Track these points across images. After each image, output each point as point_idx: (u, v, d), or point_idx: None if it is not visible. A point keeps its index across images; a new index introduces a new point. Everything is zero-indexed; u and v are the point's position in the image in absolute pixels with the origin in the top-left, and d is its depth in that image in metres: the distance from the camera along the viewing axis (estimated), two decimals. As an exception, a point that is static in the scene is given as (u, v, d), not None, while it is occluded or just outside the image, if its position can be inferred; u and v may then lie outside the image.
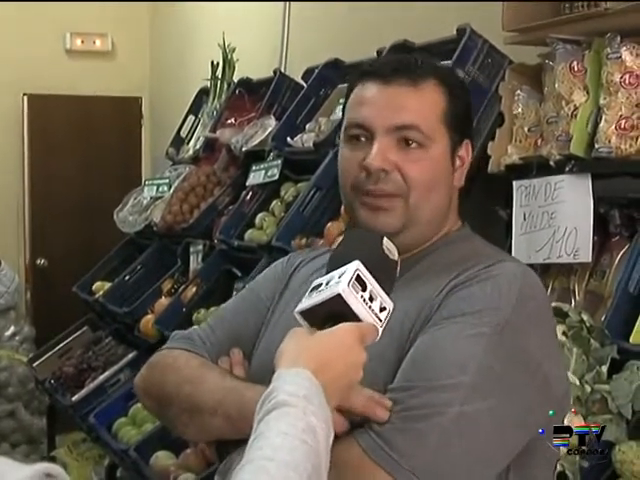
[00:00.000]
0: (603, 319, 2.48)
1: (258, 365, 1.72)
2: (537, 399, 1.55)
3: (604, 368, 2.37)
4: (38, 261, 7.49)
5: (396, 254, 1.54)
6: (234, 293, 4.12)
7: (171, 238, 5.14)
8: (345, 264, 1.45)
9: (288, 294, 1.81)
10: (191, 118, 5.75)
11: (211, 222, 4.70)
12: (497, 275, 1.56)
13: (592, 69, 2.65)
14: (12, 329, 6.53)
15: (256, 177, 4.40)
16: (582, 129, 2.62)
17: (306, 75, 4.53)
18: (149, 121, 7.78)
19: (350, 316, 1.41)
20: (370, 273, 1.45)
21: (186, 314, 4.44)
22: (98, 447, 5.09)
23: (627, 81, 2.55)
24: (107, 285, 5.45)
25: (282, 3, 5.31)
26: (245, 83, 5.23)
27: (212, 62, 5.58)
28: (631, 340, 2.39)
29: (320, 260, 1.85)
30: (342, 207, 3.60)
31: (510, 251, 2.83)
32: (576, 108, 2.67)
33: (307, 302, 1.44)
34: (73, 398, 4.89)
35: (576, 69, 2.70)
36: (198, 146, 5.37)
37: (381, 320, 1.44)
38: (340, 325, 1.40)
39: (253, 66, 5.38)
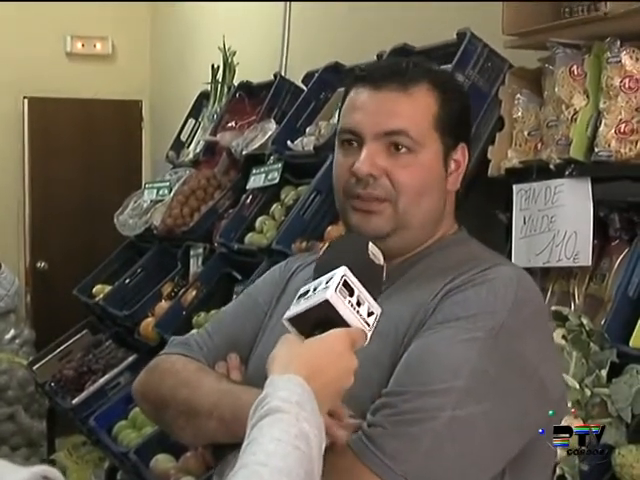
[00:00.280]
0: (603, 323, 2.48)
1: (255, 369, 1.72)
2: (533, 403, 1.54)
3: (604, 372, 2.37)
4: (38, 264, 7.50)
5: (382, 259, 1.54)
6: (234, 296, 4.12)
7: (171, 241, 5.14)
8: (331, 270, 1.46)
9: (285, 299, 1.81)
10: (191, 121, 5.75)
11: (211, 225, 4.70)
12: (493, 279, 1.56)
13: (592, 73, 2.66)
14: (12, 332, 6.53)
15: (256, 181, 4.40)
16: (582, 133, 2.62)
17: (306, 79, 4.53)
18: (149, 124, 7.79)
19: (338, 322, 1.41)
20: (357, 278, 1.45)
21: (186, 317, 4.44)
22: (98, 450, 5.09)
23: (627, 85, 2.55)
24: (107, 288, 5.45)
25: (282, 6, 5.31)
26: (245, 86, 5.23)
27: (212, 65, 5.58)
28: (631, 344, 2.39)
29: None
30: (341, 211, 3.61)
31: (510, 255, 2.83)
32: (576, 112, 2.67)
33: (295, 309, 1.45)
34: (73, 401, 4.89)
35: (576, 73, 2.70)
36: (198, 149, 5.38)
37: (369, 325, 1.44)
38: (331, 332, 1.40)
39: (253, 69, 5.38)
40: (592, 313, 2.60)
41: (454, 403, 1.44)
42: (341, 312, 1.41)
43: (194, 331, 1.94)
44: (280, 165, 4.26)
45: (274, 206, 4.31)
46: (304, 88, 4.54)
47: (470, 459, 1.46)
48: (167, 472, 3.85)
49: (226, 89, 5.47)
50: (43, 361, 5.70)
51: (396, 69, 1.70)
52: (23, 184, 7.48)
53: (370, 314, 1.45)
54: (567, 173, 2.67)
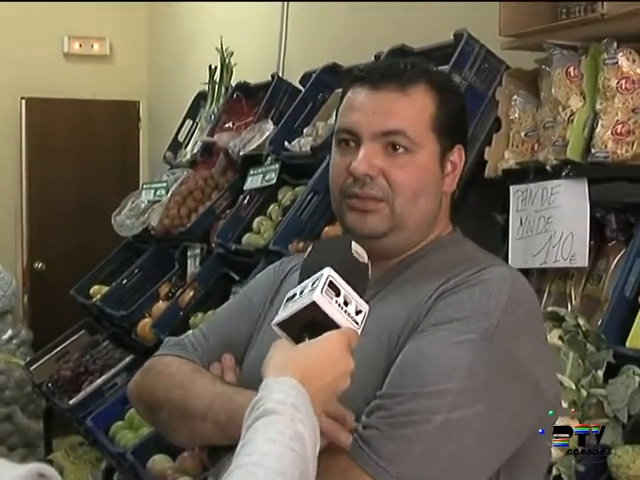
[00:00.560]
0: (599, 323, 2.48)
1: (250, 371, 1.72)
2: (527, 404, 1.54)
3: (600, 372, 2.37)
4: (35, 265, 7.50)
5: (366, 257, 1.54)
6: (231, 297, 4.12)
7: (169, 242, 5.15)
8: (316, 272, 1.46)
9: (279, 300, 1.80)
10: (189, 122, 5.75)
11: (209, 226, 4.71)
12: (486, 280, 1.56)
13: (589, 74, 2.66)
14: (9, 332, 6.52)
15: (254, 181, 4.41)
16: (578, 134, 2.62)
17: (304, 79, 4.53)
18: (147, 125, 7.79)
19: (327, 323, 1.41)
20: (342, 278, 1.45)
21: (183, 318, 4.45)
22: (95, 451, 5.10)
23: (623, 86, 2.56)
24: (104, 289, 5.46)
25: (280, 7, 5.32)
26: (243, 87, 5.23)
27: (210, 66, 5.59)
28: (627, 344, 2.39)
29: None
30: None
31: (507, 256, 2.83)
32: (573, 113, 2.67)
33: (283, 313, 1.45)
34: (70, 402, 4.89)
35: (573, 74, 2.70)
36: (196, 150, 5.38)
37: (358, 323, 1.45)
38: (327, 334, 1.41)
39: (251, 70, 5.38)
40: (589, 314, 2.60)
41: (448, 405, 1.44)
42: (329, 313, 1.41)
43: (190, 332, 1.93)
44: (277, 166, 4.27)
45: (271, 207, 4.32)
46: (301, 89, 4.54)
47: (465, 460, 1.46)
48: (164, 472, 3.86)
49: (223, 90, 5.47)
50: (40, 361, 5.70)
51: (394, 70, 1.69)
52: (20, 185, 7.48)
53: (358, 312, 1.45)
54: (564, 174, 2.68)
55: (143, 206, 5.50)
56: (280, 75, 4.99)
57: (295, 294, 1.46)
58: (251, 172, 4.46)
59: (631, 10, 2.48)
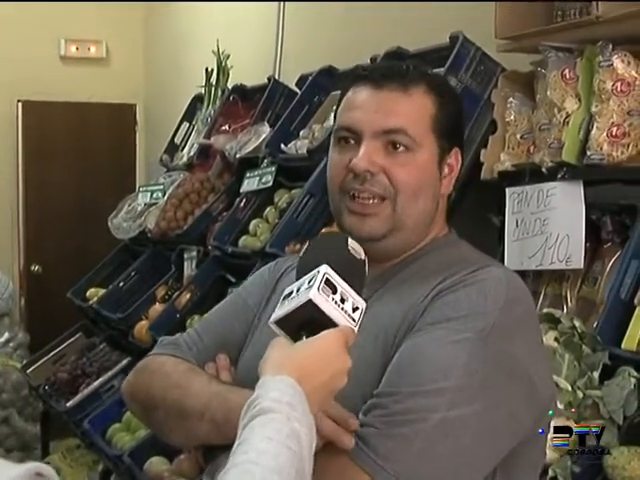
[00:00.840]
0: (595, 325, 2.48)
1: (245, 371, 1.72)
2: (523, 403, 1.55)
3: (596, 374, 2.38)
4: (32, 267, 7.49)
5: (362, 253, 1.54)
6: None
7: (165, 244, 5.15)
8: (313, 269, 1.46)
9: (275, 300, 1.80)
10: (185, 125, 5.76)
11: (205, 228, 4.71)
12: (483, 280, 1.57)
13: (584, 77, 2.67)
14: (6, 335, 6.52)
15: (250, 184, 4.41)
16: (574, 136, 2.63)
17: (300, 82, 4.54)
18: (143, 128, 7.78)
19: (324, 320, 1.42)
20: (339, 275, 1.45)
21: (180, 320, 4.45)
22: (92, 453, 5.10)
23: (619, 89, 2.56)
24: (101, 291, 5.46)
25: (276, 10, 5.32)
26: (239, 90, 5.24)
27: (206, 69, 5.59)
28: (623, 346, 2.40)
29: None
30: (334, 213, 3.62)
31: (503, 257, 2.84)
32: (568, 115, 2.68)
33: (280, 311, 1.45)
34: (67, 404, 4.88)
35: (568, 77, 2.71)
36: (192, 153, 5.39)
37: (355, 320, 1.45)
38: (324, 332, 1.41)
39: (247, 73, 5.39)
40: (584, 315, 2.61)
41: (446, 404, 1.45)
42: (325, 310, 1.41)
43: (183, 332, 1.93)
44: (274, 168, 4.27)
45: (268, 209, 4.32)
46: (298, 91, 4.55)
47: (462, 459, 1.46)
48: (161, 475, 3.86)
49: (220, 92, 5.48)
50: (37, 364, 5.70)
51: (396, 70, 1.71)
52: (17, 187, 7.48)
53: (355, 309, 1.45)
54: (559, 176, 2.68)
55: (140, 209, 5.50)
56: (276, 78, 4.99)
57: (292, 292, 1.46)
58: (247, 175, 4.46)
59: (626, 12, 2.49)
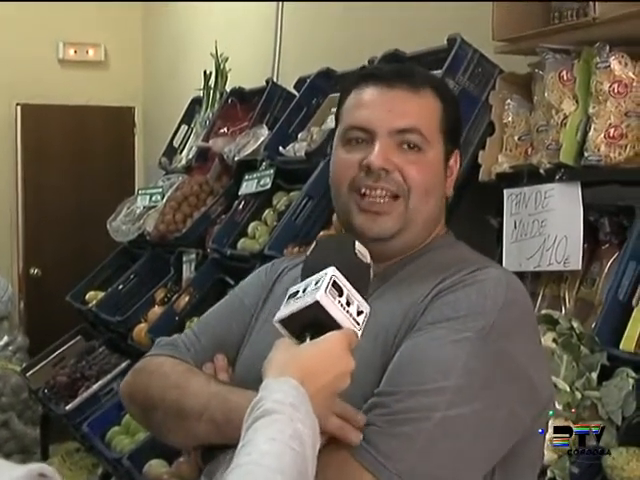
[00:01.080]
0: (593, 326, 2.49)
1: (242, 371, 1.73)
2: (523, 402, 1.55)
3: (594, 375, 2.38)
4: (31, 271, 7.49)
5: (368, 257, 1.55)
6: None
7: (164, 247, 5.15)
8: (319, 270, 1.46)
9: (272, 301, 1.82)
10: (184, 127, 5.76)
11: (204, 231, 4.71)
12: (482, 280, 1.58)
13: (581, 78, 2.67)
14: (5, 339, 6.53)
15: (248, 186, 4.41)
16: (572, 138, 2.63)
17: (298, 84, 4.54)
18: (142, 131, 7.79)
19: (329, 322, 1.42)
20: (345, 278, 1.46)
21: (179, 323, 4.44)
22: (92, 456, 5.11)
23: (616, 90, 2.56)
24: (100, 294, 5.46)
25: (274, 13, 5.32)
26: (237, 92, 5.24)
27: (205, 72, 5.59)
28: (621, 347, 2.40)
29: None
30: (334, 216, 3.62)
31: (501, 259, 2.84)
32: (566, 117, 2.68)
33: (285, 310, 1.45)
34: (66, 407, 4.89)
35: (565, 78, 2.71)
36: (191, 155, 5.39)
37: (359, 324, 1.45)
38: (327, 335, 1.41)
39: (245, 76, 5.39)
40: (582, 317, 2.61)
41: (446, 403, 1.45)
42: (331, 313, 1.41)
43: (181, 333, 1.93)
44: (272, 171, 4.27)
45: (266, 212, 4.32)
46: (296, 94, 4.55)
47: (462, 458, 1.47)
48: (160, 477, 3.86)
49: (218, 95, 5.48)
50: (36, 367, 5.70)
51: (404, 71, 1.72)
52: (16, 190, 7.48)
53: (359, 313, 1.46)
54: (557, 178, 2.69)
55: (138, 212, 5.50)
56: (274, 80, 4.99)
57: (298, 291, 1.46)
58: (246, 177, 4.46)
59: (623, 14, 2.49)
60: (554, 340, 2.45)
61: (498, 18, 2.88)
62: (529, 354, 1.58)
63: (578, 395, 2.35)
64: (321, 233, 3.68)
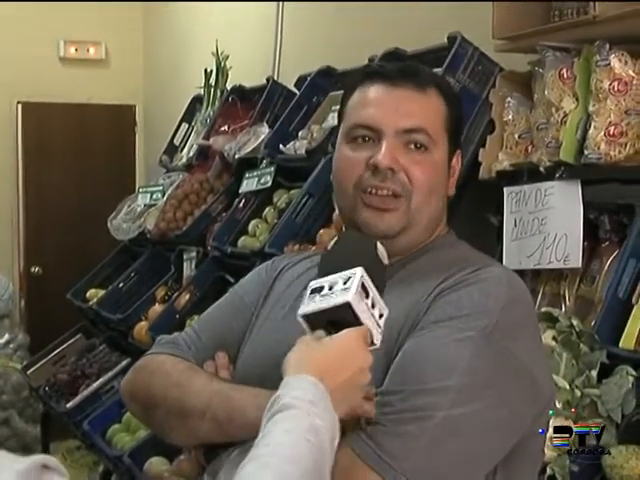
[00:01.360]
0: (593, 324, 2.49)
1: (243, 369, 1.73)
2: (526, 401, 1.55)
3: (594, 373, 2.38)
4: (32, 269, 7.50)
5: (386, 259, 1.54)
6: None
7: (165, 245, 5.15)
8: (342, 267, 1.45)
9: (272, 298, 1.82)
10: (184, 126, 5.76)
11: (204, 229, 4.72)
12: (485, 279, 1.58)
13: (581, 76, 2.67)
14: (6, 337, 6.53)
15: (249, 184, 4.41)
16: (572, 136, 2.63)
17: (298, 83, 4.54)
18: (143, 129, 7.79)
19: (353, 322, 1.41)
20: (369, 279, 1.44)
21: (179, 321, 4.45)
22: (92, 454, 5.11)
23: (616, 88, 2.56)
24: (101, 292, 5.46)
25: (275, 11, 5.33)
26: (238, 91, 5.24)
27: (205, 70, 5.59)
28: (620, 345, 2.40)
29: (304, 264, 1.86)
30: (334, 214, 3.62)
31: (501, 257, 2.84)
32: (566, 115, 2.68)
33: (311, 306, 1.43)
34: (67, 405, 4.89)
35: (565, 76, 2.71)
36: (191, 154, 5.39)
37: (380, 327, 1.44)
38: (344, 331, 1.41)
39: (246, 74, 5.39)
40: (582, 314, 2.61)
41: (449, 402, 1.45)
42: (360, 315, 1.40)
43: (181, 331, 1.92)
44: (272, 169, 4.27)
45: (267, 209, 4.32)
46: (296, 92, 4.55)
47: (466, 456, 1.47)
48: (161, 475, 3.86)
49: (219, 93, 5.48)
50: (37, 365, 5.71)
51: (409, 69, 1.72)
52: (17, 189, 7.48)
53: (381, 316, 1.45)
54: (557, 176, 2.69)
55: (139, 210, 5.51)
56: (275, 78, 4.99)
57: (322, 287, 1.44)
58: (246, 175, 4.46)
59: (623, 12, 2.49)
60: (554, 338, 2.44)
61: (498, 16, 2.88)
62: (531, 353, 1.58)
63: (578, 393, 2.35)
64: (321, 231, 3.68)
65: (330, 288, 1.43)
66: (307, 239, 3.77)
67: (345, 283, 1.42)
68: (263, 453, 1.23)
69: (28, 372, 5.71)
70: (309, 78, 4.38)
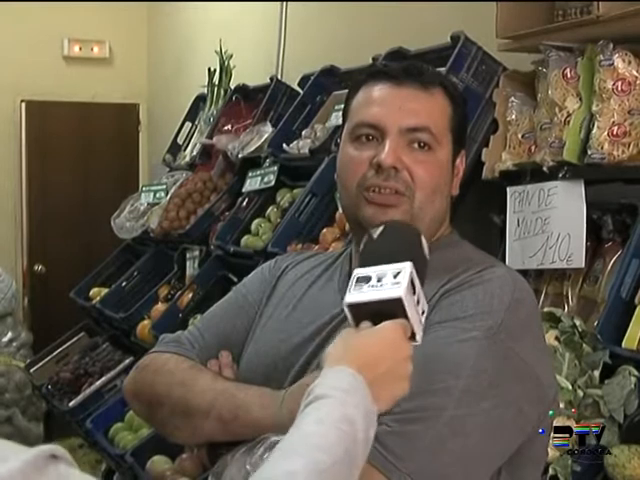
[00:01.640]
0: (596, 324, 2.48)
1: (247, 368, 1.73)
2: (530, 401, 1.55)
3: (596, 373, 2.38)
4: (35, 267, 7.50)
5: (428, 253, 1.48)
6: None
7: (168, 244, 5.16)
8: (389, 258, 1.41)
9: (275, 298, 1.82)
10: (188, 125, 5.76)
11: (207, 228, 4.71)
12: (489, 280, 1.58)
13: (585, 76, 2.67)
14: (9, 335, 6.53)
15: (252, 183, 4.41)
16: (575, 135, 2.63)
17: (302, 82, 4.54)
18: (146, 127, 7.79)
19: (397, 315, 1.38)
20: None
21: (182, 320, 4.45)
22: (95, 452, 5.11)
23: (619, 88, 2.56)
24: (104, 291, 5.46)
25: (278, 10, 5.33)
26: (242, 90, 5.24)
27: (209, 69, 5.59)
28: (623, 345, 2.40)
29: (307, 263, 1.86)
30: (337, 213, 3.63)
31: (504, 257, 2.84)
32: (569, 115, 2.68)
33: (360, 296, 1.39)
34: (70, 404, 4.89)
35: (569, 76, 2.71)
36: (195, 152, 5.38)
37: (422, 324, 1.41)
38: (385, 323, 1.37)
39: (250, 73, 5.39)
40: (585, 314, 2.61)
41: (455, 402, 1.45)
42: (408, 311, 1.37)
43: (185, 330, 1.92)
44: (276, 168, 4.27)
45: (270, 209, 4.32)
46: (300, 91, 4.55)
47: (471, 457, 1.47)
48: (163, 474, 3.86)
49: (222, 92, 5.48)
50: (40, 364, 5.71)
51: (414, 69, 1.71)
52: (20, 187, 7.49)
53: (423, 312, 1.42)
54: (560, 175, 2.69)
55: (142, 208, 5.51)
56: (279, 78, 4.99)
57: (369, 277, 1.41)
58: (250, 174, 4.47)
59: (626, 12, 2.49)
60: (556, 338, 2.44)
61: (502, 16, 2.88)
62: (536, 353, 1.58)
63: (580, 393, 2.35)
64: (324, 230, 3.69)
65: (379, 280, 1.40)
66: (310, 238, 3.77)
67: (395, 277, 1.39)
68: (292, 442, 1.22)
69: (31, 370, 5.71)
70: (312, 77, 4.38)
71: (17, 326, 6.71)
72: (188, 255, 4.86)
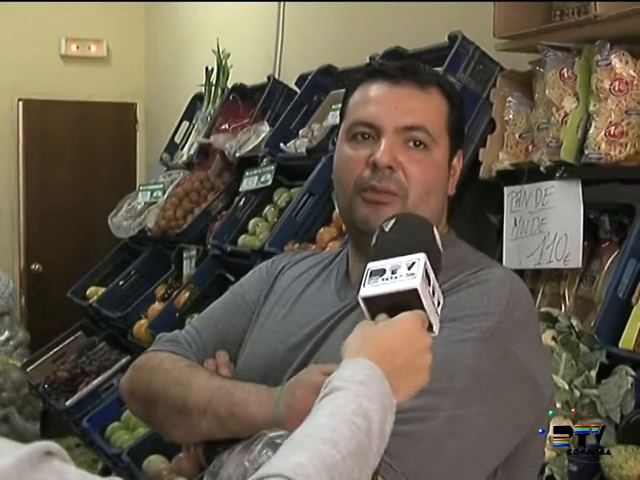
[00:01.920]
0: (592, 324, 2.49)
1: (244, 368, 1.73)
2: (527, 402, 1.55)
3: (593, 373, 2.38)
4: (33, 266, 7.50)
5: (441, 246, 1.47)
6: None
7: (165, 243, 5.16)
8: (402, 250, 1.40)
9: (273, 297, 1.81)
10: (185, 124, 5.76)
11: (204, 227, 4.72)
12: (486, 280, 1.58)
13: (582, 76, 2.67)
14: (6, 334, 6.53)
15: (249, 183, 4.41)
16: (572, 135, 2.63)
17: (299, 81, 4.54)
18: (144, 127, 7.79)
19: (415, 308, 1.36)
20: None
21: (179, 319, 4.45)
22: (91, 451, 5.10)
23: (617, 88, 2.56)
24: (101, 290, 5.46)
25: (276, 10, 5.33)
26: (239, 89, 5.24)
27: (206, 68, 5.59)
28: (620, 345, 2.40)
29: (304, 263, 1.86)
30: (334, 213, 3.62)
31: (501, 257, 2.84)
32: (566, 114, 2.68)
33: (375, 289, 1.38)
34: (67, 403, 4.89)
35: (566, 76, 2.71)
36: (192, 152, 5.38)
37: (438, 314, 1.40)
38: (401, 314, 1.36)
39: (247, 72, 5.39)
40: (582, 314, 2.61)
41: (451, 403, 1.45)
42: (423, 302, 1.36)
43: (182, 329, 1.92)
44: (273, 167, 4.27)
45: (267, 208, 4.32)
46: (297, 90, 4.55)
47: (468, 457, 1.47)
48: (160, 473, 3.85)
49: (220, 91, 5.48)
50: (37, 363, 5.70)
51: (411, 68, 1.71)
52: (18, 186, 7.49)
53: (438, 303, 1.41)
54: (557, 175, 2.68)
55: (139, 208, 5.51)
56: (276, 77, 4.99)
57: (383, 270, 1.39)
58: (247, 174, 4.46)
59: (624, 12, 2.49)
60: (553, 338, 2.44)
61: (499, 15, 2.88)
62: (533, 354, 1.58)
63: (577, 393, 2.35)
64: (321, 230, 3.68)
65: (393, 272, 1.38)
66: (307, 238, 3.77)
67: (410, 268, 1.37)
68: (300, 435, 1.20)
69: (28, 369, 5.71)
70: (310, 77, 4.38)
71: (14, 325, 6.71)
72: (185, 254, 4.86)
